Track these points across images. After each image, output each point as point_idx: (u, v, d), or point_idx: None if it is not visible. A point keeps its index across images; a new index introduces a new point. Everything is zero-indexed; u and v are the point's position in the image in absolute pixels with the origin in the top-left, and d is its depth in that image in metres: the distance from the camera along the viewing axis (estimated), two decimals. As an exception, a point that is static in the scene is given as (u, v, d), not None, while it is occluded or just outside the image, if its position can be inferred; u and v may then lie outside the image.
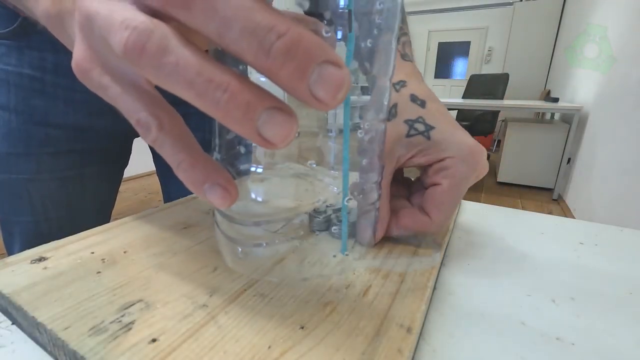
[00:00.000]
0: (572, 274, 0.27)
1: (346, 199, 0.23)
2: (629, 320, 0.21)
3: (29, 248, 0.25)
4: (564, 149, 2.41)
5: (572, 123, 2.31)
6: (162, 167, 0.55)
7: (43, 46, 0.34)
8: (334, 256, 0.25)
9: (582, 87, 2.50)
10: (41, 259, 0.24)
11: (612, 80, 1.88)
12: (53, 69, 0.36)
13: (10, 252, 0.45)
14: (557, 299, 0.23)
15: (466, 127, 3.43)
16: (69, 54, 0.32)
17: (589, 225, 0.36)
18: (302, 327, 0.18)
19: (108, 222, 0.54)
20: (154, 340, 0.17)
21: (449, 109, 3.73)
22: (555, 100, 2.62)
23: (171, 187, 0.54)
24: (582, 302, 0.23)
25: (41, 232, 0.43)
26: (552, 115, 3.26)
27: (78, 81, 0.33)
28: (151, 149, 0.55)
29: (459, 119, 3.75)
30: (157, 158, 0.54)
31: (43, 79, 0.36)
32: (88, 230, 0.29)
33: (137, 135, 0.49)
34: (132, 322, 0.18)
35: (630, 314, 0.22)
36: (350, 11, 0.19)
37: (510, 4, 4.63)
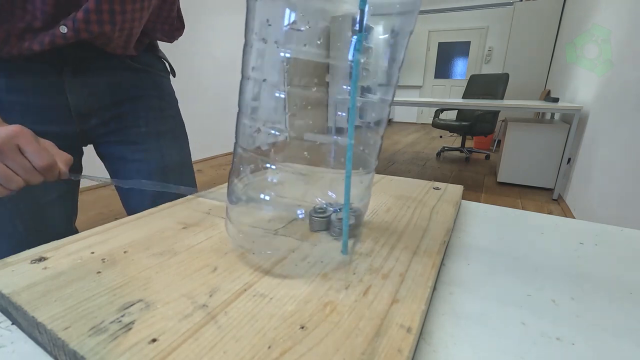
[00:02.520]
0: (572, 274, 0.27)
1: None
2: (629, 321, 0.21)
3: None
4: (564, 149, 2.41)
5: (572, 123, 2.30)
6: (123, 193, 0.59)
7: None
8: (334, 256, 0.25)
9: (582, 87, 2.49)
10: (41, 259, 0.24)
11: (612, 80, 1.87)
12: (5, 88, 0.44)
13: None
14: (557, 299, 0.23)
15: (466, 127, 3.42)
16: (19, 76, 0.44)
17: (589, 225, 0.36)
18: (302, 327, 0.18)
19: (75, 211, 0.57)
20: (154, 340, 0.17)
21: (449, 109, 3.72)
22: (556, 100, 2.62)
23: (131, 199, 0.59)
24: (582, 302, 0.23)
25: (15, 219, 0.48)
26: (552, 115, 3.26)
27: (30, 96, 0.47)
28: (107, 168, 0.58)
29: (459, 118, 3.74)
30: (113, 174, 0.58)
31: (0, 98, 0.44)
32: (88, 231, 0.29)
33: (85, 143, 0.54)
34: (132, 322, 0.18)
35: (630, 314, 0.22)
36: (362, 11, 0.19)
37: (510, 3, 4.63)
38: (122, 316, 0.18)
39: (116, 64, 0.50)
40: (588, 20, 2.63)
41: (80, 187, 0.59)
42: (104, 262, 0.24)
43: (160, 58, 0.58)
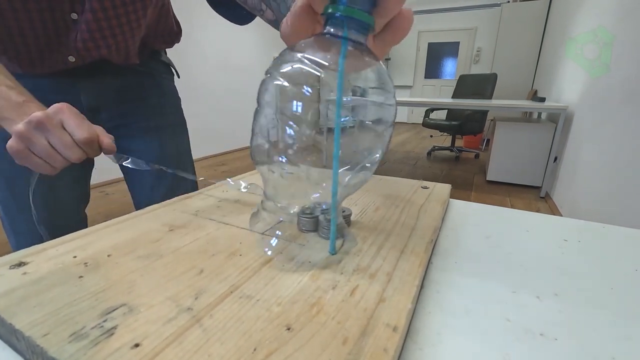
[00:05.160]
0: (556, 270, 0.27)
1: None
2: (610, 315, 0.22)
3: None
4: (551, 147, 2.46)
5: (558, 122, 2.35)
6: (130, 175, 0.66)
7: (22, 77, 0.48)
8: (322, 256, 0.25)
9: (567, 87, 2.55)
10: (21, 264, 0.23)
11: (596, 80, 1.92)
12: (32, 88, 0.50)
13: (15, 238, 0.56)
14: (541, 295, 0.24)
15: (456, 127, 3.47)
16: (43, 79, 0.51)
17: (573, 222, 0.37)
18: (289, 329, 0.18)
19: (86, 198, 0.63)
20: (136, 345, 0.16)
21: (439, 109, 3.77)
22: (542, 100, 2.67)
23: (138, 191, 0.66)
24: (565, 298, 0.23)
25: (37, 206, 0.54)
26: (539, 114, 3.32)
27: (50, 94, 0.48)
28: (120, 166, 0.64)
29: (449, 118, 3.79)
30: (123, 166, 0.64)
31: None
32: (71, 234, 0.28)
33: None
34: (114, 327, 0.17)
35: (611, 309, 0.22)
36: (344, 17, 0.20)
37: (498, 5, 4.70)
38: (104, 321, 0.18)
39: (122, 70, 0.57)
40: (573, 22, 2.69)
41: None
42: (86, 266, 0.23)
43: (163, 62, 0.65)
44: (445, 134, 5.13)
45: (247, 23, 0.56)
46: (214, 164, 3.35)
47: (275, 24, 0.40)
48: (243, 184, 0.40)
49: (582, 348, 0.19)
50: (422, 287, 0.24)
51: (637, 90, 1.41)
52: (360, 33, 0.21)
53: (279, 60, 0.23)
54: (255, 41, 4.02)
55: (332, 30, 0.21)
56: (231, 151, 3.98)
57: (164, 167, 0.46)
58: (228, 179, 0.42)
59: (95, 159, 0.65)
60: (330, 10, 0.21)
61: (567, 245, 0.32)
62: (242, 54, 3.85)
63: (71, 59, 0.50)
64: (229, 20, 0.56)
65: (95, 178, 0.65)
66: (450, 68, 6.28)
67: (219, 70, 3.57)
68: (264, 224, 0.29)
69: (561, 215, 1.99)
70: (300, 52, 0.22)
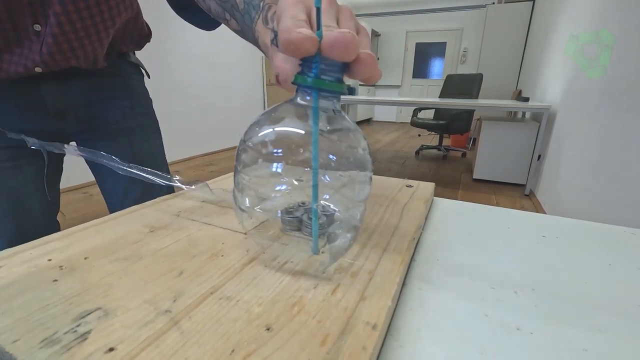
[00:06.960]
0: (534, 265, 0.28)
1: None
2: (584, 309, 0.22)
3: None
4: (535, 146, 2.52)
5: (541, 121, 2.41)
6: (102, 179, 0.64)
7: None
8: (304, 256, 0.25)
9: (550, 88, 2.61)
10: (-9, 269, 0.23)
11: (577, 81, 1.98)
12: None
13: None
14: (519, 290, 0.24)
15: (443, 126, 3.52)
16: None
17: (552, 219, 0.38)
18: (268, 329, 0.18)
19: (55, 205, 0.59)
20: (111, 350, 0.16)
21: (427, 108, 3.82)
22: (526, 99, 2.73)
23: (106, 183, 0.63)
24: (542, 293, 0.24)
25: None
26: (524, 114, 3.40)
27: (8, 97, 0.49)
28: (87, 163, 0.60)
29: (437, 117, 3.84)
30: (91, 165, 0.62)
31: None
32: (46, 237, 0.28)
33: (64, 141, 0.57)
34: (88, 332, 0.17)
35: (585, 303, 0.23)
36: (318, 9, 0.20)
37: (484, 6, 4.78)
38: (77, 326, 0.17)
39: (89, 72, 0.54)
40: (555, 23, 2.76)
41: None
42: (61, 269, 0.23)
43: (131, 63, 0.62)
44: (433, 133, 5.20)
45: (213, 29, 0.54)
46: (202, 164, 3.30)
47: (240, 33, 0.38)
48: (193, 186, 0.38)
49: (556, 341, 0.19)
50: (404, 284, 0.25)
51: (615, 90, 1.46)
52: (332, 99, 0.22)
53: (255, 128, 0.23)
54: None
55: (299, 100, 0.22)
56: (219, 151, 3.93)
57: (136, 169, 0.43)
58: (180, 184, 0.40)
59: (71, 159, 0.63)
60: (299, 81, 0.21)
61: (546, 241, 0.32)
62: (229, 51, 3.80)
63: (38, 69, 0.48)
64: (195, 26, 0.53)
65: (78, 179, 0.63)
66: (438, 68, 6.36)
67: (206, 68, 3.53)
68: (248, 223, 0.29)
69: (544, 212, 2.04)
70: (273, 122, 0.22)
